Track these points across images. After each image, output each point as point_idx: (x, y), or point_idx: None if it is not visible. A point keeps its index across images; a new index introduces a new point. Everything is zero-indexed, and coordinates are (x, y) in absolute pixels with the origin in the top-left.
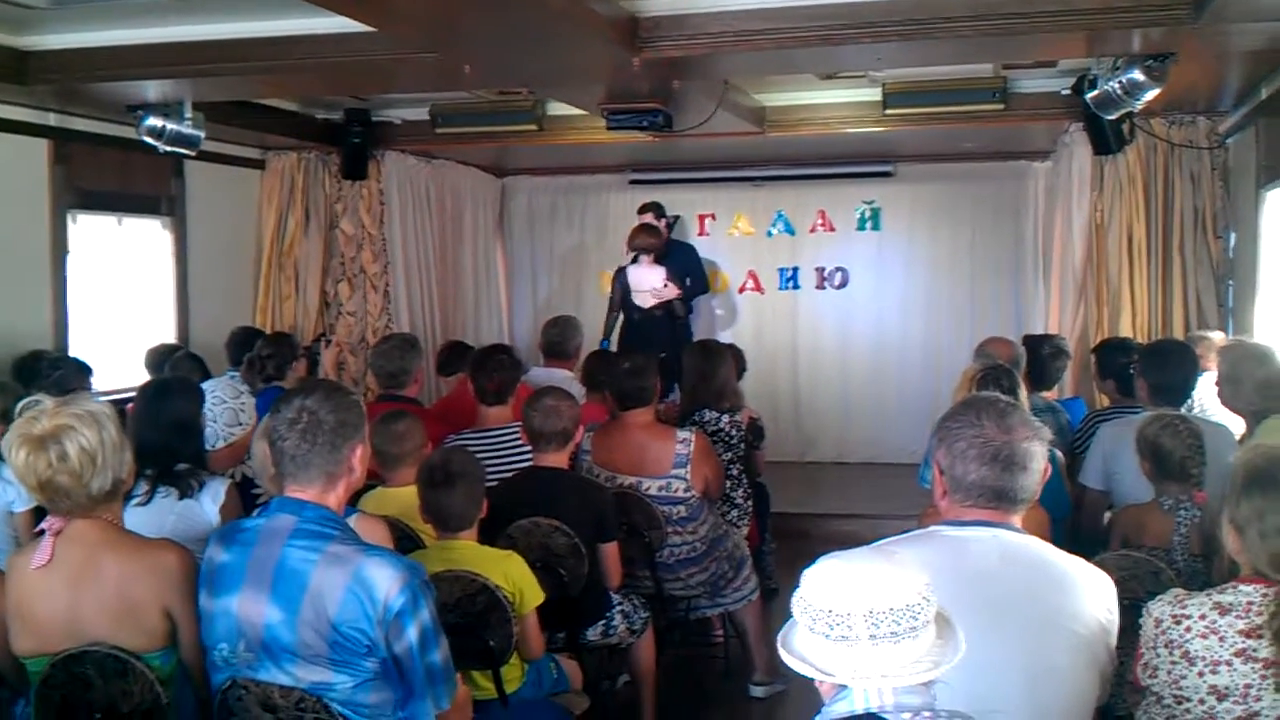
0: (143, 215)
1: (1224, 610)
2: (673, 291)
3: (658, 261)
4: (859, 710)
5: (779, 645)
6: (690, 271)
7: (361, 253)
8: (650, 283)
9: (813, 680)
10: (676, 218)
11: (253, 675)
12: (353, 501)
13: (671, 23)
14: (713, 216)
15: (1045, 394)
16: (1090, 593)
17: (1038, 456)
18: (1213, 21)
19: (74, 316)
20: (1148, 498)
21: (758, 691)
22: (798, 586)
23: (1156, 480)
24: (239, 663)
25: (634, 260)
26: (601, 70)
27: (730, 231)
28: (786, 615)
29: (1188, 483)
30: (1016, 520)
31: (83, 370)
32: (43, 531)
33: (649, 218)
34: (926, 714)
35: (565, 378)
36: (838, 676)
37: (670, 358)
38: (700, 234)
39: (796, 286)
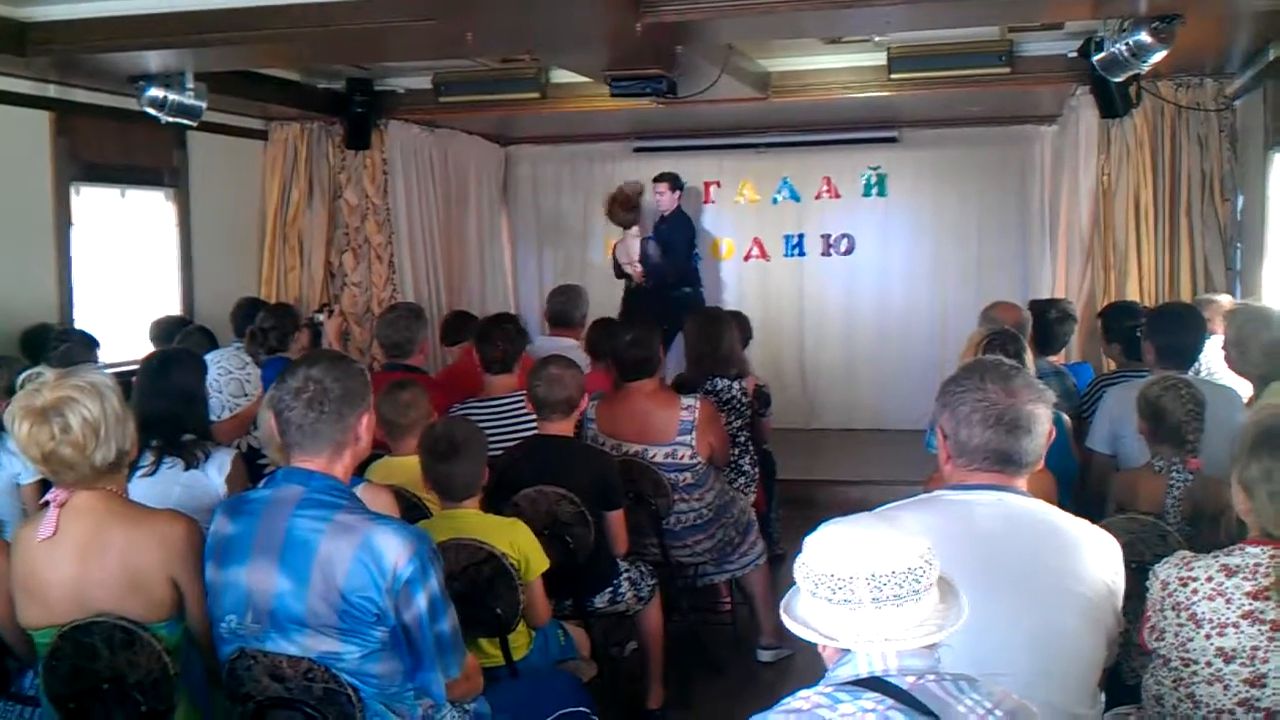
0: (146, 187)
1: (1231, 572)
2: (635, 269)
3: (661, 233)
4: (863, 674)
5: (782, 611)
6: (672, 244)
7: (366, 223)
8: (631, 255)
9: (817, 645)
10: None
11: (260, 646)
12: (359, 471)
13: None
14: (718, 184)
15: (1052, 358)
16: (1096, 555)
17: (1042, 419)
18: None
19: (78, 289)
20: None
21: (765, 656)
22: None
23: (1152, 442)
24: (246, 634)
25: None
26: (603, 35)
27: (735, 199)
28: (793, 581)
29: (1182, 448)
30: (1021, 483)
31: (90, 343)
32: (48, 503)
33: (663, 188)
34: (931, 677)
35: (570, 347)
36: (841, 640)
37: (668, 331)
38: (706, 201)
39: (802, 253)
